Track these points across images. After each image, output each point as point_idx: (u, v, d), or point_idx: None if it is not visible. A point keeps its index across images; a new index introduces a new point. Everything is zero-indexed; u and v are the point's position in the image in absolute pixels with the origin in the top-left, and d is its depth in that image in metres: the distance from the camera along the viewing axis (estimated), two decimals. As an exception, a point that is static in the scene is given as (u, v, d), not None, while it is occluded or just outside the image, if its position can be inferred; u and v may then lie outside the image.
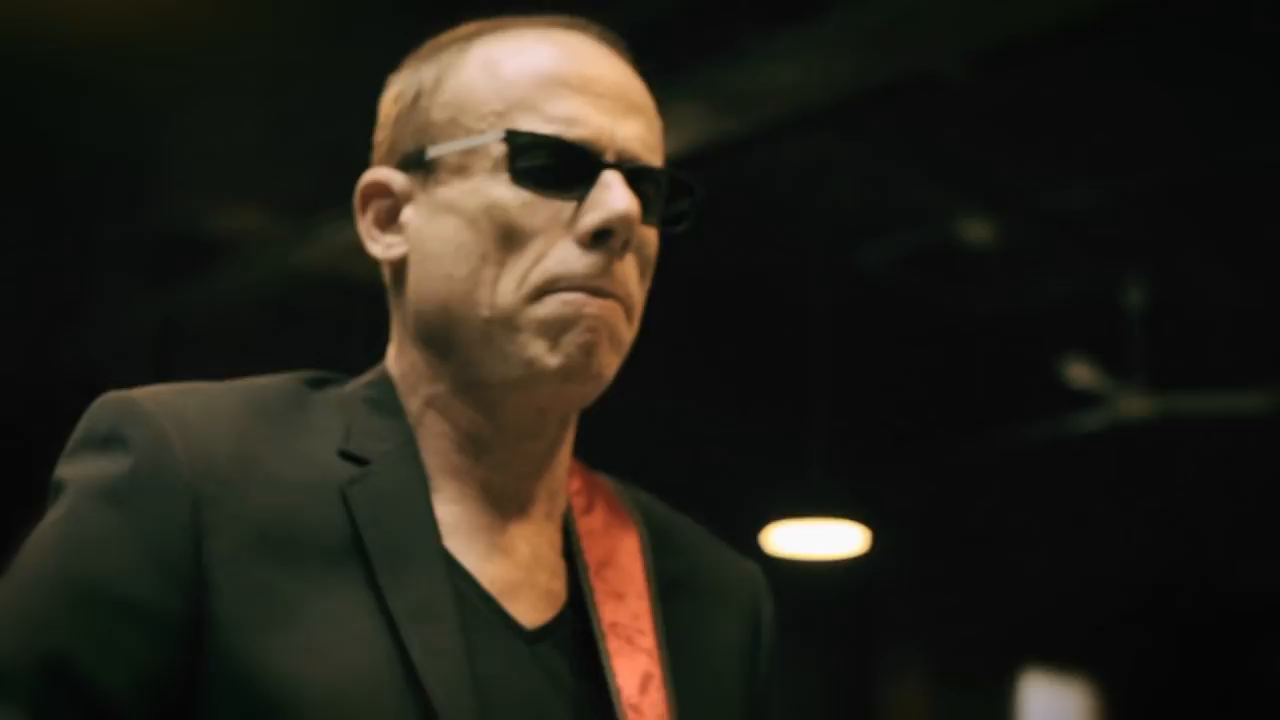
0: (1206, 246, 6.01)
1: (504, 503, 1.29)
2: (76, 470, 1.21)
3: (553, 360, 1.23)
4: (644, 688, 1.27)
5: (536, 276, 1.23)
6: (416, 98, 1.30)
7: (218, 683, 1.15)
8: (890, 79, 4.50)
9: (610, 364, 1.26)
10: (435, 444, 1.28)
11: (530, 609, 1.27)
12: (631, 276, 1.26)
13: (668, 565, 1.37)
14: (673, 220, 1.31)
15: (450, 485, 1.28)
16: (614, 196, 1.22)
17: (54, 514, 1.20)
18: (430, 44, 1.33)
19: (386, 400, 1.30)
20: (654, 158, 1.29)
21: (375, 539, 1.21)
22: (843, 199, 5.69)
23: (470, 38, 1.31)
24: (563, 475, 1.34)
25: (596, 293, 1.23)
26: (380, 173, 1.31)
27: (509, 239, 1.23)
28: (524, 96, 1.25)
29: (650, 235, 1.29)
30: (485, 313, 1.24)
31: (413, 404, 1.29)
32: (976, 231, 5.82)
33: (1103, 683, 9.96)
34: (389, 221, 1.31)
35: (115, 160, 5.32)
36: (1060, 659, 9.73)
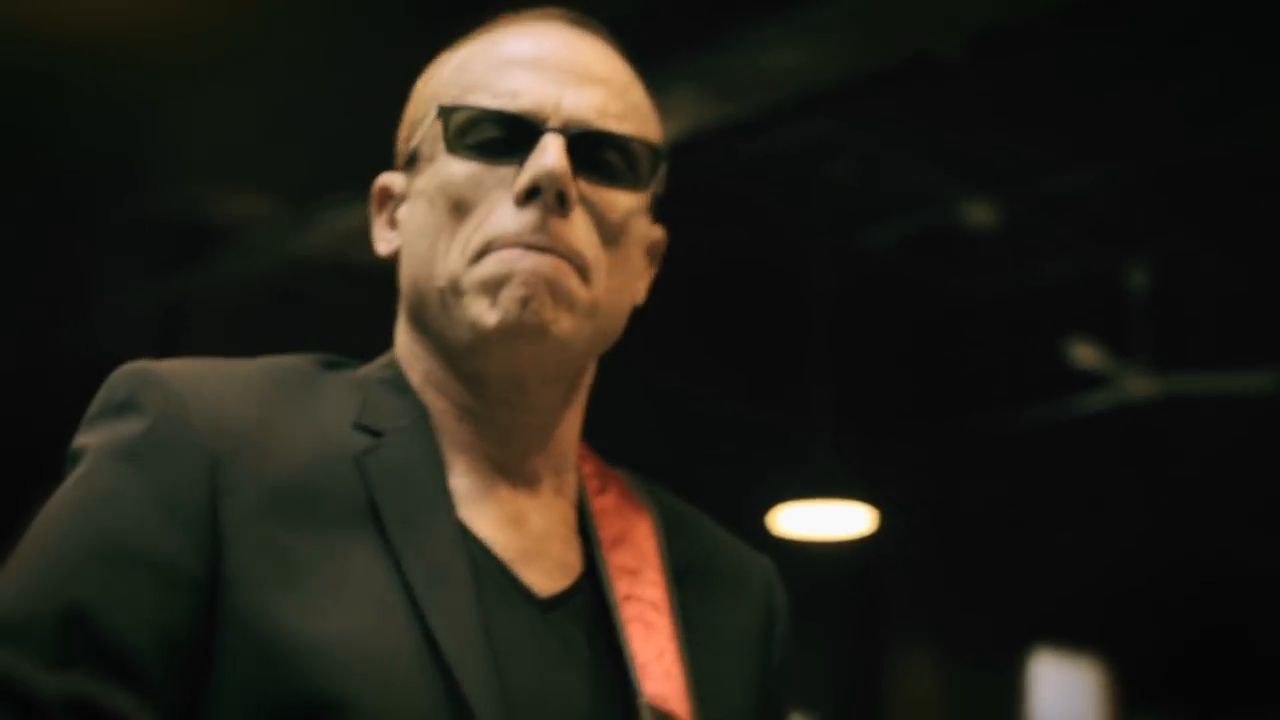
0: (1210, 226, 6.01)
1: (512, 477, 1.31)
2: (94, 437, 1.23)
3: (492, 317, 1.25)
4: (659, 657, 1.28)
5: (477, 240, 1.27)
6: (415, 103, 1.36)
7: (231, 638, 1.16)
8: (889, 62, 4.49)
9: (558, 320, 1.26)
10: (441, 420, 1.31)
11: (544, 578, 1.28)
12: (580, 236, 1.27)
13: (681, 551, 1.39)
14: (646, 181, 1.32)
15: (461, 459, 1.30)
16: (542, 155, 1.25)
17: (72, 478, 1.22)
18: (435, 58, 1.39)
19: (397, 380, 1.33)
20: (617, 126, 1.30)
21: (390, 506, 1.23)
22: (844, 183, 5.69)
23: (460, 43, 1.37)
24: (568, 454, 1.36)
25: (531, 248, 1.25)
26: (385, 177, 1.38)
27: (458, 210, 1.28)
28: (478, 80, 1.30)
29: (614, 199, 1.30)
30: (440, 283, 1.28)
31: (415, 382, 1.32)
32: (979, 214, 5.82)
33: (1112, 662, 9.97)
34: (394, 221, 1.37)
35: (117, 149, 5.33)
36: (1069, 638, 9.73)
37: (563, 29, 1.34)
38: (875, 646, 8.70)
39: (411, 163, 1.34)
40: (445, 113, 1.29)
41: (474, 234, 1.26)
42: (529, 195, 1.25)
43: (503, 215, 1.26)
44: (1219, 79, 4.95)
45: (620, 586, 1.31)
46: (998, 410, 7.37)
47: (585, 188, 1.28)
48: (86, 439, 1.24)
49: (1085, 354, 6.54)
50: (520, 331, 1.25)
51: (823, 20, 4.26)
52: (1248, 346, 6.46)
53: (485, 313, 1.25)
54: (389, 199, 1.37)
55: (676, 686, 1.28)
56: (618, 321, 1.33)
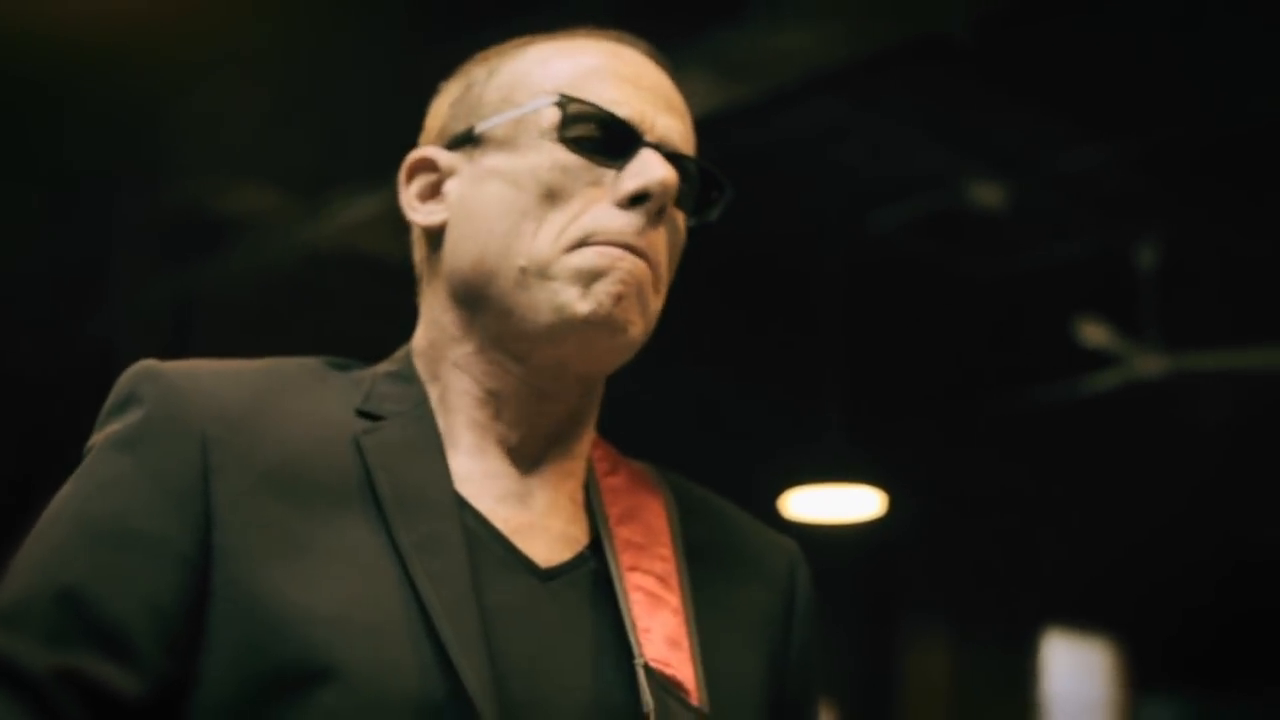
0: (1218, 204, 5.99)
1: (520, 459, 1.33)
2: (100, 435, 1.27)
3: (583, 306, 1.28)
4: (663, 625, 1.29)
5: (574, 231, 1.30)
6: (468, 88, 1.39)
7: (223, 610, 1.19)
8: (897, 43, 4.48)
9: (635, 323, 1.31)
10: (457, 401, 1.33)
11: (546, 549, 1.30)
12: (661, 248, 1.33)
13: (696, 531, 1.40)
14: (700, 213, 1.40)
15: (468, 438, 1.32)
16: (654, 165, 1.31)
17: (76, 472, 1.27)
18: (482, 52, 1.42)
19: (405, 372, 1.35)
20: (689, 152, 1.38)
21: (386, 482, 1.26)
22: (853, 165, 5.68)
23: (524, 44, 1.40)
24: (581, 443, 1.38)
25: (630, 249, 1.30)
26: (427, 150, 1.40)
27: (550, 197, 1.31)
28: (574, 81, 1.34)
29: (680, 221, 1.38)
30: (522, 262, 1.30)
31: (440, 369, 1.35)
32: (987, 195, 5.81)
33: (1124, 643, 9.97)
34: (431, 194, 1.38)
35: (126, 142, 5.33)
36: (1081, 620, 9.73)
37: (643, 57, 1.40)
38: (887, 629, 8.70)
39: (468, 141, 1.36)
40: (563, 102, 1.32)
41: (570, 224, 1.30)
42: (635, 200, 1.30)
43: (604, 212, 1.30)
44: (1227, 57, 4.93)
45: (625, 558, 1.32)
46: (1007, 391, 7.36)
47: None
48: (94, 438, 1.28)
49: (1094, 333, 6.52)
50: (607, 324, 1.29)
51: (830, 1, 4.25)
52: (1258, 323, 6.45)
53: (576, 300, 1.28)
54: (428, 171, 1.38)
55: (682, 655, 1.28)
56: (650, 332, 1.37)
